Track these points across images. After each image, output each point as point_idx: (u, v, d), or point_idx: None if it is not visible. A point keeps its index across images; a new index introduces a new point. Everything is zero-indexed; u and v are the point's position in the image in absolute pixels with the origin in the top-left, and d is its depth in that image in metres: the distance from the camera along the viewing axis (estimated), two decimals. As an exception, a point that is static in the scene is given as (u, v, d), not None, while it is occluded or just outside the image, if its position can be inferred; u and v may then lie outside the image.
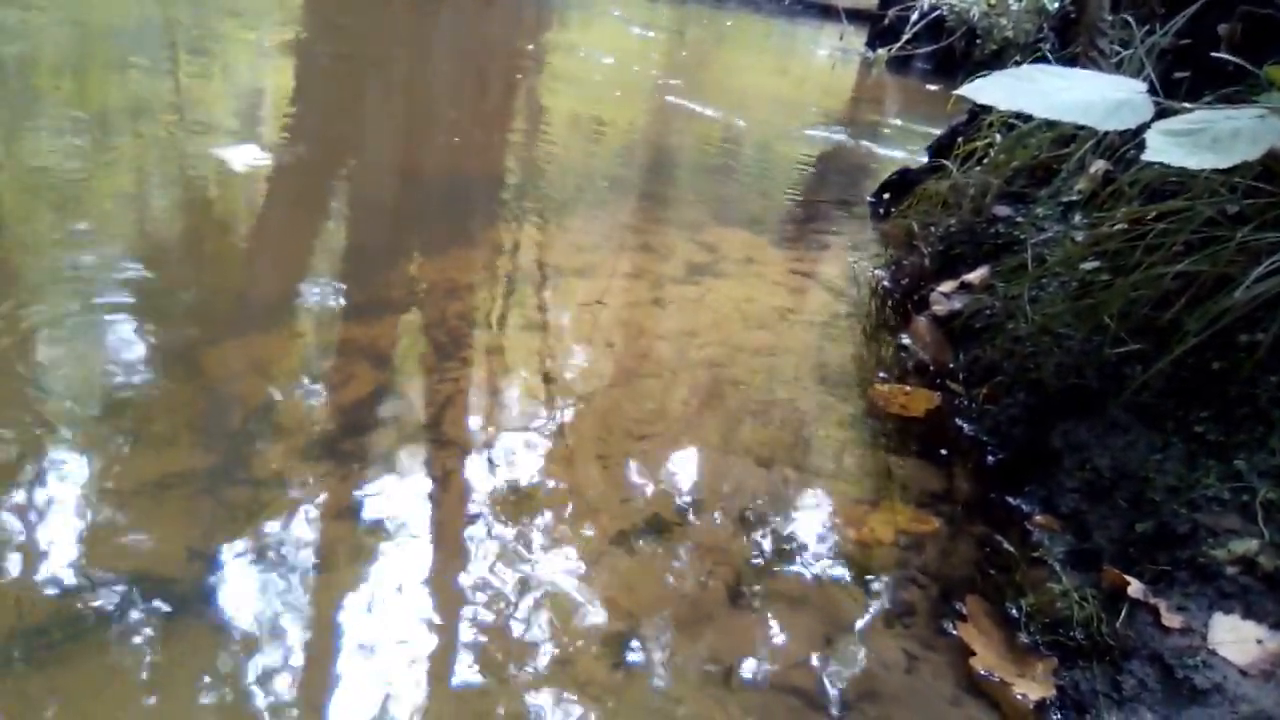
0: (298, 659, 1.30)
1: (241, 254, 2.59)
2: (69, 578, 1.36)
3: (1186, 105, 1.55)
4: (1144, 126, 1.54)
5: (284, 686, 1.25)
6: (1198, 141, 1.49)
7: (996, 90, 1.55)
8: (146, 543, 1.45)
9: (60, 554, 1.40)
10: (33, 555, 1.39)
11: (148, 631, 1.30)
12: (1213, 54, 2.20)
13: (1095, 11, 2.41)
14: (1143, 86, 1.51)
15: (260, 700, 1.23)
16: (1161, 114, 1.53)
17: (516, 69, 6.07)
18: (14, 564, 1.36)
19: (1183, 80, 2.44)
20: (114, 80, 3.87)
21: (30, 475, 1.54)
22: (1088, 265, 2.16)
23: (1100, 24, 2.40)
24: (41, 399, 1.74)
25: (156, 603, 1.34)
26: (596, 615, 1.49)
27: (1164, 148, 1.49)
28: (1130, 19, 2.75)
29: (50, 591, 1.33)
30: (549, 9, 9.78)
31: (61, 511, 1.48)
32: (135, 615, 1.32)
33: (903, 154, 5.00)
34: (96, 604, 1.32)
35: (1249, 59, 2.03)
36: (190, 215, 2.72)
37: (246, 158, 3.30)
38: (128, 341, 1.98)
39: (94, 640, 1.27)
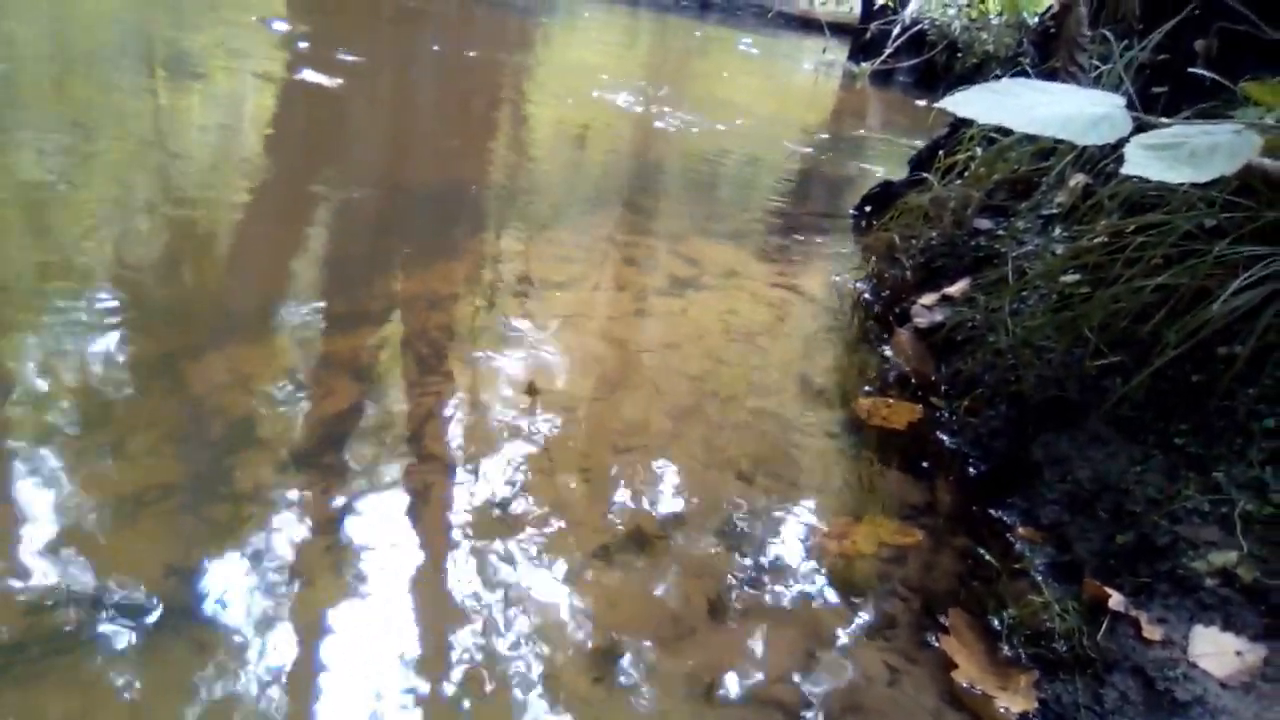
0: (279, 675, 1.29)
1: (223, 265, 2.57)
2: (45, 593, 1.34)
3: (1164, 120, 1.57)
4: (1123, 141, 1.55)
5: (265, 703, 1.24)
6: (1176, 156, 1.50)
7: (977, 104, 1.56)
8: (125, 557, 1.43)
9: (37, 569, 1.38)
10: (8, 570, 1.37)
11: (126, 648, 1.28)
12: (1190, 69, 2.22)
13: (1074, 27, 2.43)
14: (1122, 101, 1.52)
15: (241, 718, 1.22)
16: (1140, 129, 1.54)
17: (500, 80, 6.07)
18: (-12, 580, 1.35)
19: (1161, 94, 2.47)
20: (96, 95, 3.85)
21: (6, 488, 1.52)
22: (1068, 278, 2.17)
23: (1079, 39, 2.42)
24: (17, 410, 1.72)
25: (135, 619, 1.33)
26: (578, 630, 1.48)
27: (1143, 162, 1.50)
28: (1109, 34, 2.78)
29: (26, 607, 1.32)
30: (533, 21, 9.80)
31: (38, 525, 1.46)
32: (113, 631, 1.30)
33: (884, 167, 5.03)
34: (74, 620, 1.31)
35: (1225, 74, 2.05)
36: (171, 227, 2.70)
37: (229, 166, 3.29)
38: (107, 353, 1.96)
39: (71, 657, 1.26)
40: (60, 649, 1.26)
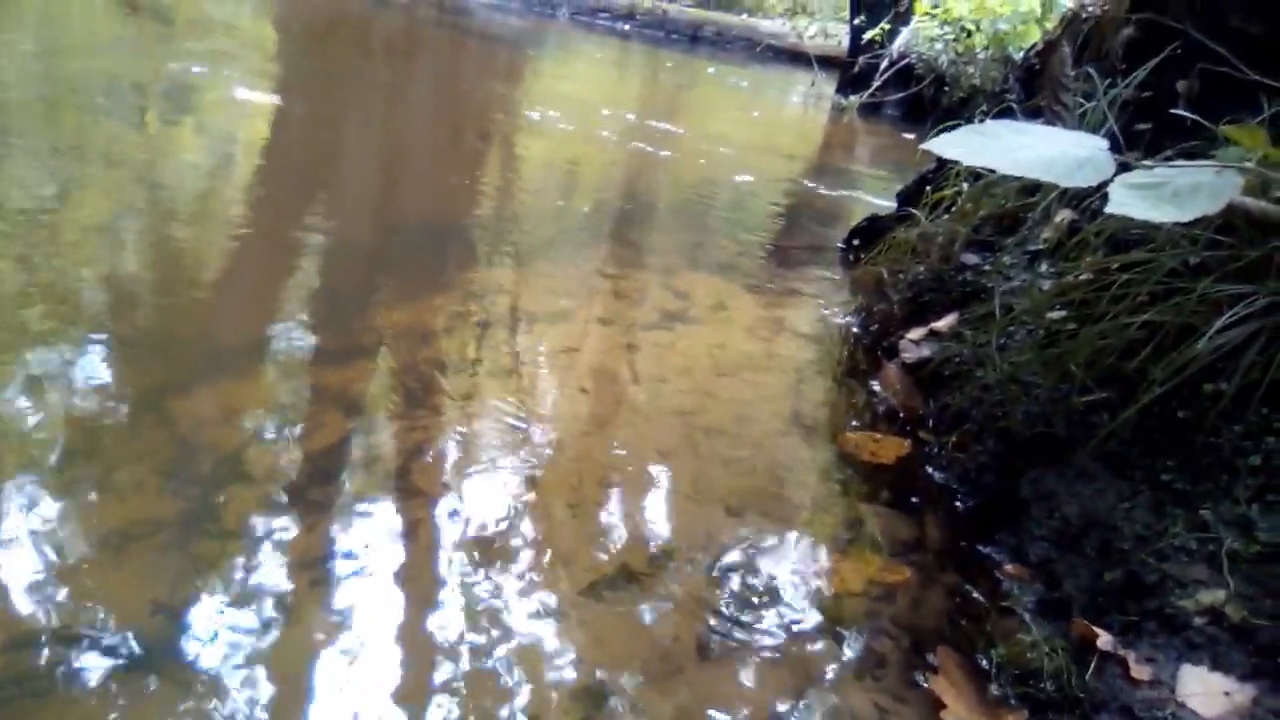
0: (265, 713, 1.28)
1: (212, 298, 2.57)
2: (27, 630, 1.33)
3: (1147, 162, 1.59)
4: (1108, 179, 1.57)
5: (246, 745, 1.23)
6: (1159, 195, 1.52)
7: (960, 146, 1.57)
8: (110, 594, 1.42)
9: (18, 605, 1.37)
10: (-10, 609, 1.36)
11: (109, 686, 1.27)
12: (1172, 109, 2.24)
13: (1058, 66, 2.46)
14: (1104, 144, 1.54)
15: (222, 760, 1.21)
16: (1124, 169, 1.56)
17: (491, 114, 6.10)
18: (-30, 619, 1.34)
19: (1144, 132, 2.49)
20: (86, 123, 3.86)
21: (-11, 526, 1.51)
22: (1054, 314, 2.19)
23: (1063, 78, 2.45)
24: (2, 444, 1.71)
25: (118, 656, 1.32)
26: (566, 667, 1.47)
27: (1126, 201, 1.52)
28: (1093, 71, 2.81)
29: (8, 645, 1.30)
30: (523, 53, 9.88)
31: (21, 560, 1.45)
32: (96, 669, 1.29)
33: (872, 200, 5.06)
34: (56, 658, 1.30)
35: (1207, 114, 2.07)
36: (160, 259, 2.71)
37: (217, 199, 3.30)
38: (94, 386, 1.95)
39: (53, 695, 1.24)
40: (41, 689, 1.25)
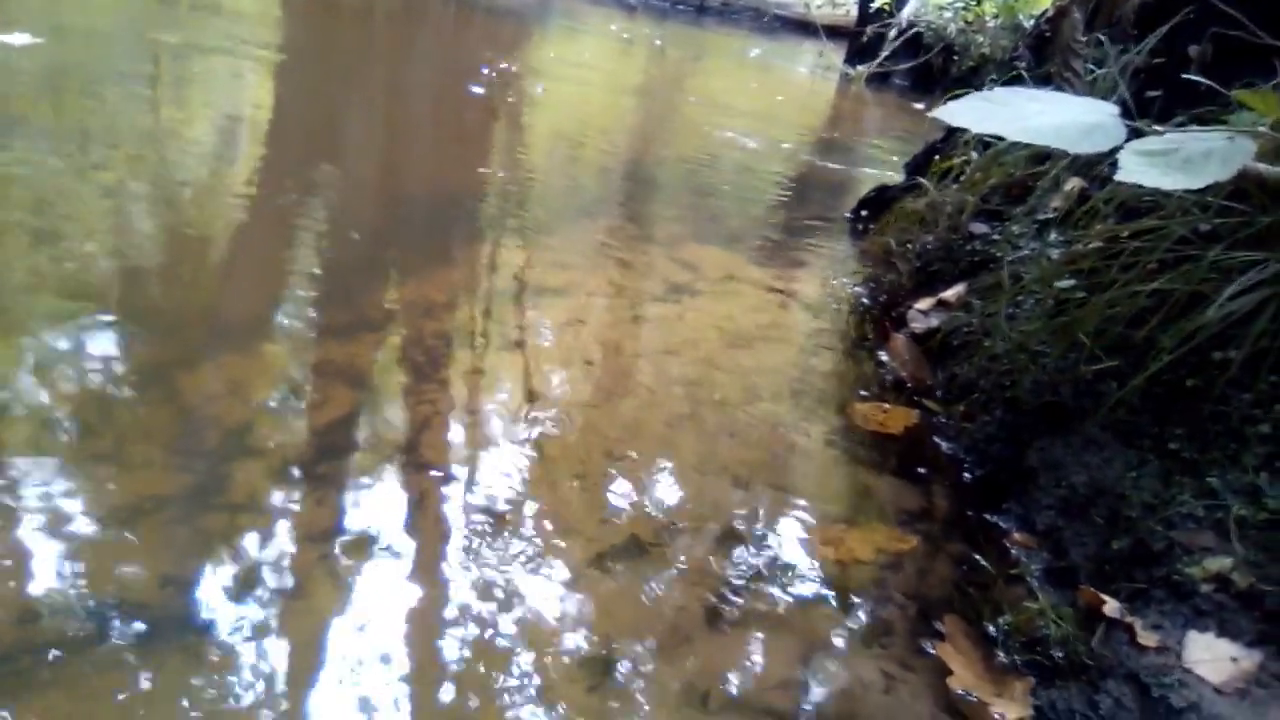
0: (275, 684, 1.29)
1: (218, 274, 2.57)
2: (38, 605, 1.34)
3: (1158, 128, 1.57)
4: (1118, 146, 1.56)
5: (259, 713, 1.24)
6: (1170, 162, 1.51)
7: (970, 113, 1.56)
8: (119, 568, 1.43)
9: (29, 580, 1.38)
10: (1, 580, 1.36)
11: (120, 659, 1.28)
12: (1184, 75, 2.22)
13: (1069, 32, 2.43)
14: (1115, 109, 1.53)
15: (233, 728, 1.21)
16: (1134, 135, 1.55)
17: (496, 88, 6.07)
18: (-18, 591, 1.35)
19: (1155, 99, 2.47)
20: (88, 105, 3.85)
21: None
22: (1063, 283, 2.17)
23: (1074, 45, 2.43)
24: (11, 420, 1.72)
25: (129, 630, 1.33)
26: (574, 638, 1.48)
27: (1137, 168, 1.50)
28: (1104, 38, 2.78)
29: (19, 617, 1.31)
30: (529, 24, 9.81)
31: (31, 537, 1.46)
32: (107, 643, 1.30)
33: (880, 170, 5.03)
34: (67, 631, 1.30)
35: (1219, 79, 2.05)
36: (166, 236, 2.70)
37: (225, 178, 3.29)
38: (101, 363, 1.96)
39: (65, 668, 1.25)
40: (53, 660, 1.26)
